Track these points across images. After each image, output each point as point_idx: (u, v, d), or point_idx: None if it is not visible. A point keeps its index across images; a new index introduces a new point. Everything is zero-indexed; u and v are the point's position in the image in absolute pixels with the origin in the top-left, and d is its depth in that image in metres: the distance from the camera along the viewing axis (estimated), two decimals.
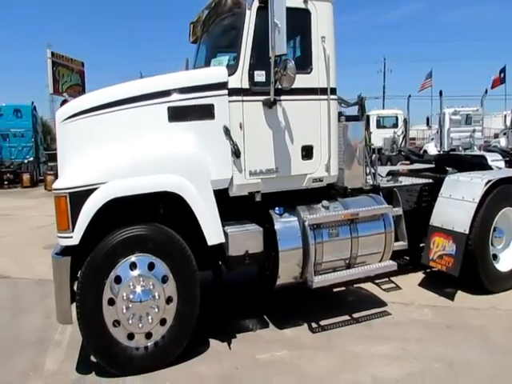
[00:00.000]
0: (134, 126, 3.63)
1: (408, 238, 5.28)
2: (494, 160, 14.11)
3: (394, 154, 14.94)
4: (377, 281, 5.61)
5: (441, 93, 15.91)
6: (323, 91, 4.17)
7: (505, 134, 16.93)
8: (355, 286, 5.48)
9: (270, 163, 3.99)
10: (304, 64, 4.19)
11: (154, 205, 3.70)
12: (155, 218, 3.62)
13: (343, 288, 5.42)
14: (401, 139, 16.63)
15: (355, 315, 4.55)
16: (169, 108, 3.71)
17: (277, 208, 4.11)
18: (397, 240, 5.09)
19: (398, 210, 5.05)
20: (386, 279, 5.67)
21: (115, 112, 3.59)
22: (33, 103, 20.80)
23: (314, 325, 4.36)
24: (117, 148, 3.49)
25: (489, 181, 4.89)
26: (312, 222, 4.05)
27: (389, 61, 43.19)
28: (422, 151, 18.61)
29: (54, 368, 3.71)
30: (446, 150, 16.17)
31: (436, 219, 5.15)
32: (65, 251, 3.35)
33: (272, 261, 4.13)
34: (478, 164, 6.01)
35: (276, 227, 4.01)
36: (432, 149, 17.24)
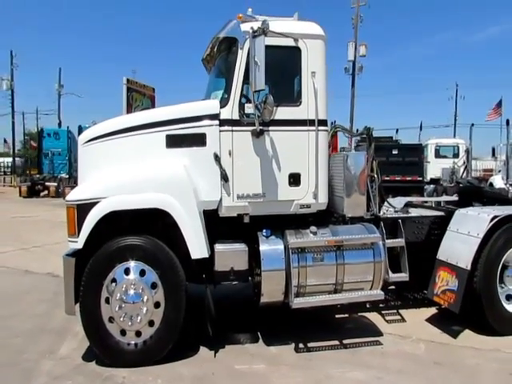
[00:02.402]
0: (137, 151, 4.28)
1: (418, 271, 5.29)
2: None
3: (452, 185, 14.20)
4: (384, 311, 5.58)
5: (508, 122, 14.88)
6: (312, 123, 4.46)
7: None
8: (359, 314, 5.51)
9: (258, 188, 4.36)
10: (294, 97, 4.56)
11: (152, 220, 4.25)
12: (152, 232, 4.17)
13: (346, 315, 5.49)
14: (462, 170, 15.75)
15: (345, 341, 4.62)
16: (167, 136, 4.31)
17: (264, 230, 4.44)
18: (399, 271, 5.13)
19: (400, 241, 5.07)
20: (394, 311, 5.62)
21: (122, 138, 4.29)
22: (68, 127, 25.55)
23: (301, 345, 4.53)
24: (121, 168, 4.15)
25: (495, 216, 4.72)
26: (294, 245, 4.31)
27: (462, 87, 40.67)
28: (487, 184, 17.40)
29: (65, 353, 4.38)
30: None
31: (442, 253, 5.06)
32: (73, 253, 4.02)
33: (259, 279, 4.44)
34: (498, 198, 5.75)
35: (261, 248, 4.33)
36: (499, 181, 16.00)
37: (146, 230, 4.16)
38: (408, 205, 6.32)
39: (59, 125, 34.18)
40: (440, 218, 5.45)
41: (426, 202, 6.49)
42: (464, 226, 4.95)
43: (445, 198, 6.71)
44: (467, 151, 16.28)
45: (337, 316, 5.43)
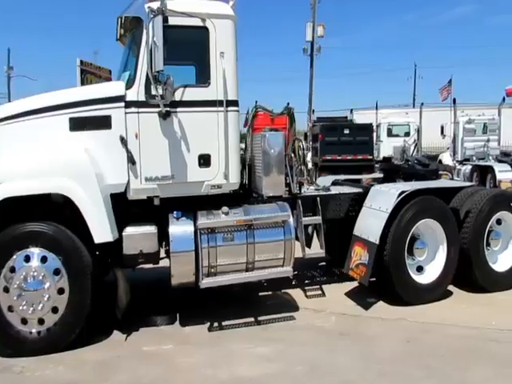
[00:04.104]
0: (38, 134, 4.13)
1: (343, 247, 5.46)
2: (503, 171, 13.52)
3: (402, 163, 14.59)
4: (307, 287, 5.74)
5: (454, 101, 15.40)
6: (222, 103, 4.44)
7: None
8: (283, 291, 5.64)
9: (166, 170, 4.32)
10: (202, 78, 4.51)
11: (57, 205, 4.15)
12: (57, 218, 4.06)
13: (270, 292, 5.61)
14: (412, 148, 16.18)
15: (260, 318, 4.73)
16: (70, 119, 4.19)
17: (175, 212, 4.42)
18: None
19: (317, 219, 5.19)
20: (317, 286, 5.78)
21: (22, 122, 4.14)
22: None
23: (215, 324, 4.61)
24: (21, 153, 4.00)
25: (403, 191, 4.89)
26: (203, 226, 4.32)
27: (421, 67, 41.13)
28: (437, 161, 17.99)
29: None
30: (459, 159, 15.58)
31: (358, 228, 5.21)
32: None
33: None
34: (414, 174, 5.96)
35: (170, 230, 4.33)
36: (447, 158, 16.60)
37: (53, 216, 4.06)
38: (335, 183, 6.47)
39: None
40: (358, 195, 5.58)
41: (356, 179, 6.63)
42: (376, 202, 5.11)
43: (372, 175, 6.88)
44: (418, 130, 16.74)
45: (260, 294, 5.54)
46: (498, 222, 5.54)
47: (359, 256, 5.05)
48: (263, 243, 4.53)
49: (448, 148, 17.11)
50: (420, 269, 5.15)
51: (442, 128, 16.65)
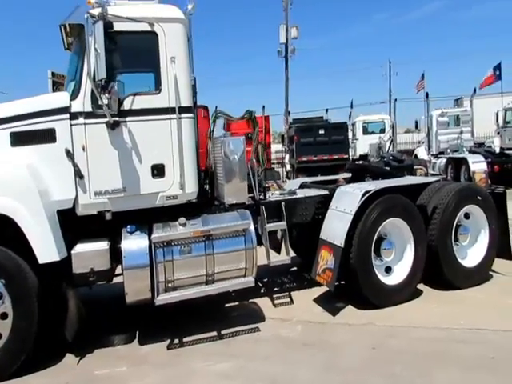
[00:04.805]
0: None
1: (310, 250, 5.31)
2: (476, 162, 13.63)
3: (377, 160, 14.60)
4: (275, 295, 5.56)
5: (427, 95, 15.49)
6: (174, 110, 4.23)
7: (498, 133, 16.19)
8: (250, 300, 5.45)
9: (117, 183, 4.10)
10: (153, 85, 4.30)
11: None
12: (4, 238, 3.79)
13: (236, 302, 5.41)
14: (388, 144, 16.24)
15: (223, 331, 4.52)
16: (11, 133, 3.94)
17: (128, 226, 4.20)
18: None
19: (282, 224, 5.03)
20: (286, 293, 5.60)
21: None
22: None
23: (176, 341, 4.38)
24: None
25: (367, 191, 4.76)
26: (157, 240, 4.10)
27: (396, 63, 41.25)
28: (413, 156, 18.12)
29: None
30: (434, 153, 15.70)
31: (324, 232, 5.06)
32: None
33: None
34: (381, 173, 5.85)
35: (122, 245, 4.09)
36: (422, 153, 16.74)
37: None
38: (303, 185, 6.33)
39: None
40: (325, 197, 5.43)
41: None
42: (341, 204, 4.97)
43: (343, 175, 6.74)
44: (392, 126, 16.81)
45: (226, 305, 5.34)
46: (466, 216, 5.46)
47: (325, 260, 4.90)
48: (223, 254, 4.32)
49: (423, 142, 17.24)
50: (388, 270, 5.03)
51: (417, 123, 16.78)
